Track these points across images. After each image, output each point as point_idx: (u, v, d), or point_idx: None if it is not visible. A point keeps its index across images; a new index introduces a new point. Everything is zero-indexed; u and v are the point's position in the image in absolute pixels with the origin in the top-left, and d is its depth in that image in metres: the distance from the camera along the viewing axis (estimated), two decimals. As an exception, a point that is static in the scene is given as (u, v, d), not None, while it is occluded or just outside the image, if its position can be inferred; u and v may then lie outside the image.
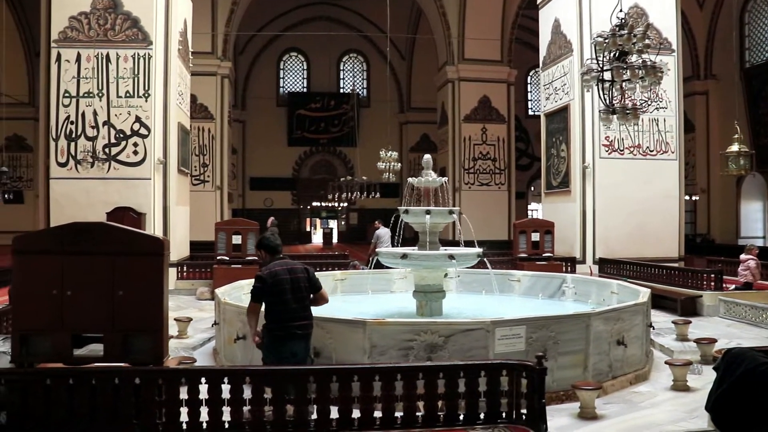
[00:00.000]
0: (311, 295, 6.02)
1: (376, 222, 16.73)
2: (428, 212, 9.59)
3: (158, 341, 4.61)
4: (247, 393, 4.63)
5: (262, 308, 5.71)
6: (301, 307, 5.86)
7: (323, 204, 38.30)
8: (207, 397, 4.56)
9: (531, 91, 40.21)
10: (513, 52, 28.19)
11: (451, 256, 9.21)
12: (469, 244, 10.48)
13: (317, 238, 40.74)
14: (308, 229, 41.40)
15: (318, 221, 42.39)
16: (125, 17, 14.87)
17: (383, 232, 16.14)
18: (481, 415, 5.01)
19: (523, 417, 4.99)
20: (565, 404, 6.71)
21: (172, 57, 15.33)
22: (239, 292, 9.84)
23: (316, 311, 6.27)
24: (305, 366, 4.98)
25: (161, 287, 4.64)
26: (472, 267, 10.25)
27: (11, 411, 4.48)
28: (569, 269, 16.31)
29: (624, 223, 16.98)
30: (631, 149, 17.18)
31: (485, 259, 10.18)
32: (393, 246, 15.34)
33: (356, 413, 4.80)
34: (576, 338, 7.24)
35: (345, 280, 12.06)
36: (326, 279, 11.68)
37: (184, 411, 4.58)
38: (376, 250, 10.79)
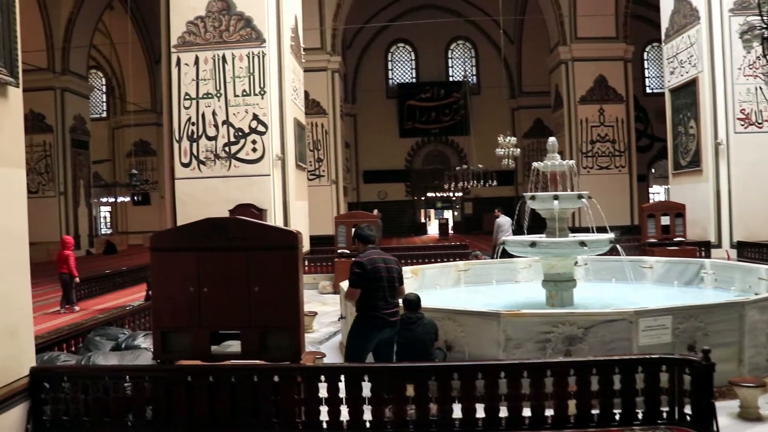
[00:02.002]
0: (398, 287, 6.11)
1: (496, 210, 16.31)
2: (556, 197, 9.14)
3: (295, 338, 4.47)
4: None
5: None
6: (392, 295, 5.95)
7: (437, 194, 38.00)
8: (346, 395, 4.40)
9: (648, 68, 38.29)
10: (629, 27, 26.87)
11: (583, 243, 8.74)
12: (599, 230, 9.95)
13: (432, 229, 40.54)
14: (423, 220, 41.23)
15: (432, 212, 42.14)
16: (239, 18, 15.10)
17: (503, 220, 15.72)
18: (639, 415, 4.58)
19: (687, 418, 4.52)
20: (719, 402, 6.05)
21: (285, 53, 15.46)
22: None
23: (441, 303, 6.54)
24: (448, 362, 4.72)
25: (296, 282, 4.50)
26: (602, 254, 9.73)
27: (156, 407, 4.49)
28: (703, 254, 15.30)
29: (765, 202, 15.73)
30: (771, 121, 15.92)
31: (618, 246, 9.64)
32: (514, 234, 14.99)
33: (503, 412, 4.50)
34: (728, 329, 6.63)
35: (468, 270, 11.69)
36: (449, 270, 11.48)
37: (323, 409, 4.45)
38: (503, 238, 10.40)
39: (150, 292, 12.73)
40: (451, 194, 35.88)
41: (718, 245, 16.21)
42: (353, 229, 6.61)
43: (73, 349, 6.03)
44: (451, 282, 11.27)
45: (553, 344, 6.43)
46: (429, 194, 39.09)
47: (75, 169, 27.61)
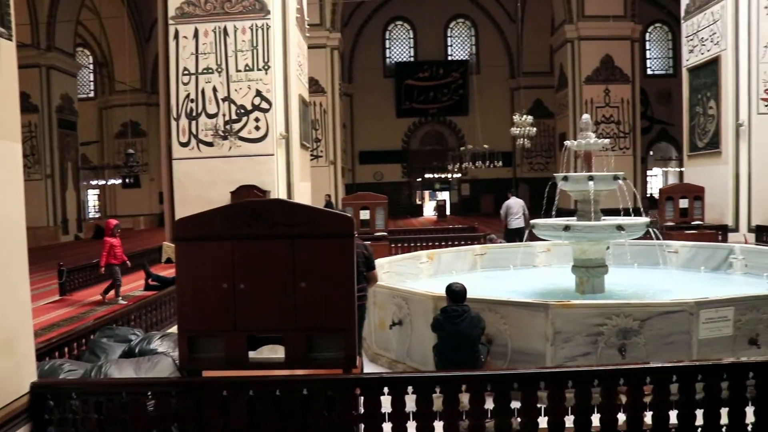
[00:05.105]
0: (364, 273, 6.14)
1: (509, 193, 15.72)
2: (591, 178, 8.55)
3: (349, 342, 3.75)
4: (464, 401, 3.75)
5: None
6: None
7: (436, 175, 37.26)
8: (415, 409, 3.70)
9: (650, 49, 37.60)
10: (637, 6, 26.21)
11: (620, 227, 8.21)
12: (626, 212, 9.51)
13: (427, 211, 39.89)
14: (419, 201, 40.52)
15: (426, 193, 41.41)
16: (241, -13, 14.25)
17: (513, 202, 15.20)
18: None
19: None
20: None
21: (291, 26, 14.64)
22: (379, 272, 9.07)
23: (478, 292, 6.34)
24: (530, 369, 4.03)
25: (351, 275, 3.77)
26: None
27: (184, 427, 3.77)
28: (720, 238, 14.74)
29: (786, 186, 15.22)
30: (796, 102, 15.31)
31: (653, 229, 9.09)
32: (524, 217, 14.52)
33: (595, 422, 3.86)
34: None
35: (485, 254, 11.13)
36: (465, 254, 10.98)
37: (387, 427, 3.75)
38: (531, 221, 9.76)
39: (149, 281, 11.99)
40: (449, 175, 35.19)
41: (736, 229, 15.69)
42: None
43: (75, 352, 5.25)
44: (467, 266, 10.75)
45: (605, 338, 5.92)
46: (426, 175, 38.35)
47: (62, 151, 26.62)
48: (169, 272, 12.24)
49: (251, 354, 3.90)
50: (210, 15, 14.09)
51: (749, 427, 3.90)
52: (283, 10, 14.41)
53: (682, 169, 23.20)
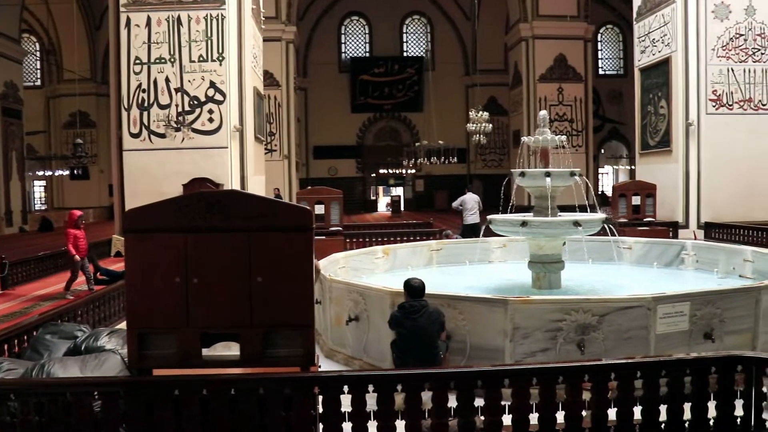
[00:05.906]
0: None
1: (466, 188, 15.78)
2: (548, 174, 8.57)
3: (308, 339, 3.63)
4: (426, 399, 3.67)
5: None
6: None
7: (390, 171, 37.22)
8: (376, 408, 3.60)
9: (602, 50, 38.19)
10: (590, 7, 26.60)
11: (577, 223, 8.25)
12: (582, 209, 9.55)
13: (380, 206, 39.83)
14: (373, 197, 40.42)
15: (380, 189, 41.34)
16: (195, -24, 13.93)
17: (468, 197, 15.24)
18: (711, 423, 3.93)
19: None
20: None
21: (246, 17, 14.38)
22: (335, 267, 8.98)
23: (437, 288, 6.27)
24: (494, 367, 3.95)
25: (309, 270, 3.65)
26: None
27: (133, 429, 3.59)
28: (670, 235, 15.03)
29: (733, 184, 15.66)
30: (741, 103, 15.74)
31: (609, 225, 9.18)
32: (479, 212, 14.58)
33: (560, 419, 3.82)
34: (744, 315, 6.25)
35: (441, 250, 11.09)
36: (421, 249, 10.92)
37: (347, 427, 3.64)
38: (488, 217, 9.75)
39: (98, 275, 11.63)
40: (403, 171, 35.21)
41: (686, 226, 16.03)
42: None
43: (16, 350, 4.99)
44: (423, 262, 10.66)
45: (564, 333, 5.92)
46: (381, 171, 38.31)
47: (6, 140, 25.73)
48: (118, 266, 11.90)
49: (204, 351, 3.75)
50: (163, 3, 13.77)
51: (711, 422, 3.92)
52: (238, 1, 14.16)
53: (633, 167, 23.63)
